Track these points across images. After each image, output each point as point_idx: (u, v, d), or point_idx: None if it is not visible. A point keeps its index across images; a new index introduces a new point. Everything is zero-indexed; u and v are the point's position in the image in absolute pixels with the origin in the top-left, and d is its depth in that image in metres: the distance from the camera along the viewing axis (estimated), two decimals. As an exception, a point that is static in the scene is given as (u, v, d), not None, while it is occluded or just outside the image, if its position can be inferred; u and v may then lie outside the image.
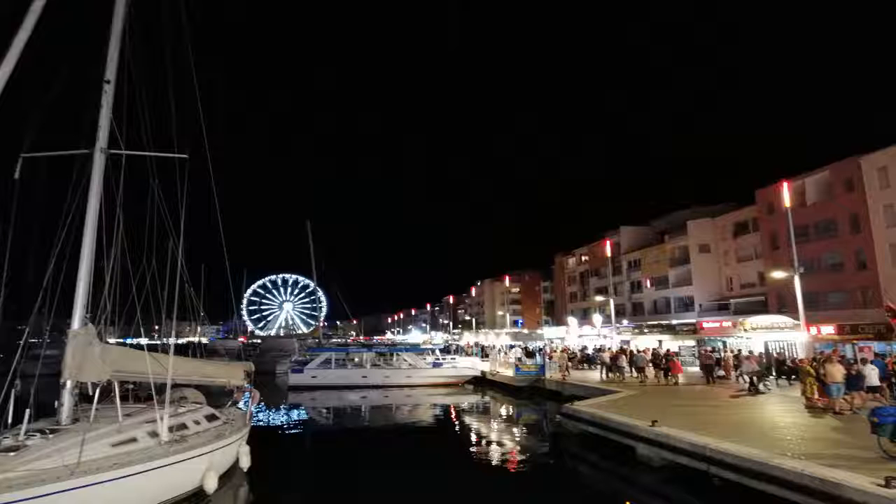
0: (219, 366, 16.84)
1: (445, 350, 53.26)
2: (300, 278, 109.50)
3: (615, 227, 59.37)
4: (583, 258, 67.21)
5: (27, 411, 10.50)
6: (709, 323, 38.65)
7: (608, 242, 51.69)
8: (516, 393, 31.03)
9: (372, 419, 26.54)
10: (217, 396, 16.50)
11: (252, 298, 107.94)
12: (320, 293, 73.92)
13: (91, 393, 11.72)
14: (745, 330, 32.22)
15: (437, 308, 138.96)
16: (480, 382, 37.17)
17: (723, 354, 28.37)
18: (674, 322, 44.37)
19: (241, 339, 69.90)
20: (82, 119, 12.94)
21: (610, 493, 13.29)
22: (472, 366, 40.00)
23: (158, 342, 19.04)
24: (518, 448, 18.25)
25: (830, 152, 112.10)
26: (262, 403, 26.34)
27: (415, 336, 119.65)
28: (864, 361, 18.32)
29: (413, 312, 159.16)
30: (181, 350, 18.90)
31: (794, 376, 22.70)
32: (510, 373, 33.20)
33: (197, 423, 12.94)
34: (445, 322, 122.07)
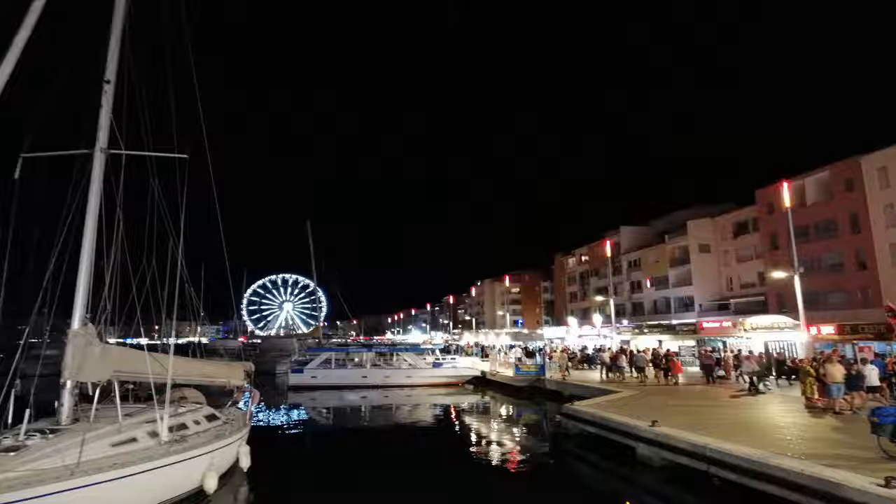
0: (219, 366, 16.82)
1: (445, 350, 53.23)
2: (300, 278, 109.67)
3: (615, 227, 59.35)
4: (583, 258, 67.20)
5: (27, 411, 10.51)
6: (709, 323, 38.65)
7: (608, 242, 51.67)
8: (516, 393, 31.03)
9: (372, 419, 26.54)
10: (217, 396, 16.49)
11: (252, 298, 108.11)
12: (320, 293, 74.06)
13: (91, 393, 11.73)
14: (745, 330, 32.20)
15: (437, 308, 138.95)
16: (480, 382, 37.15)
17: (723, 354, 28.35)
18: (674, 322, 44.36)
19: (241, 339, 69.85)
20: (82, 119, 12.95)
21: (610, 493, 13.29)
22: (472, 366, 40.02)
23: (158, 342, 19.01)
24: (518, 448, 18.25)
25: (830, 152, 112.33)
26: (262, 403, 26.32)
27: (415, 336, 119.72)
28: (864, 361, 18.31)
29: (413, 312, 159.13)
30: (181, 350, 18.87)
31: (794, 376, 22.69)
32: (510, 373, 33.19)
33: (197, 423, 12.94)
34: (445, 322, 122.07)
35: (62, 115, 12.75)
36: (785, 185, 30.36)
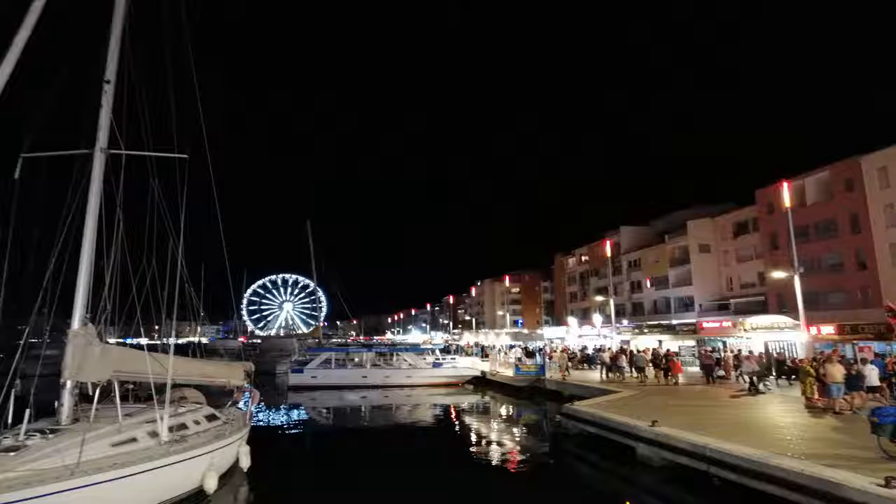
0: (219, 366, 16.82)
1: (445, 350, 53.24)
2: (300, 278, 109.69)
3: (615, 227, 59.36)
4: (583, 258, 67.21)
5: (27, 411, 10.51)
6: (709, 323, 38.65)
7: (608, 242, 51.68)
8: (516, 393, 31.03)
9: (372, 419, 26.54)
10: (217, 396, 16.49)
11: (252, 298, 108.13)
12: (320, 293, 74.06)
13: (91, 393, 11.73)
14: (745, 330, 32.21)
15: (437, 308, 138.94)
16: (480, 382, 37.16)
17: (723, 354, 28.36)
18: (674, 322, 44.36)
19: (241, 339, 69.83)
20: (82, 119, 12.95)
21: (610, 493, 13.29)
22: (472, 366, 40.02)
23: (158, 342, 19.01)
24: (518, 448, 18.25)
25: (830, 152, 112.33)
26: (262, 403, 26.32)
27: (415, 336, 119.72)
28: (864, 361, 18.31)
29: (413, 312, 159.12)
30: (181, 350, 18.86)
31: (794, 376, 22.69)
32: (510, 373, 33.19)
33: (197, 423, 12.94)
34: (445, 322, 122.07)
35: (62, 115, 12.76)
36: (785, 185, 30.37)
